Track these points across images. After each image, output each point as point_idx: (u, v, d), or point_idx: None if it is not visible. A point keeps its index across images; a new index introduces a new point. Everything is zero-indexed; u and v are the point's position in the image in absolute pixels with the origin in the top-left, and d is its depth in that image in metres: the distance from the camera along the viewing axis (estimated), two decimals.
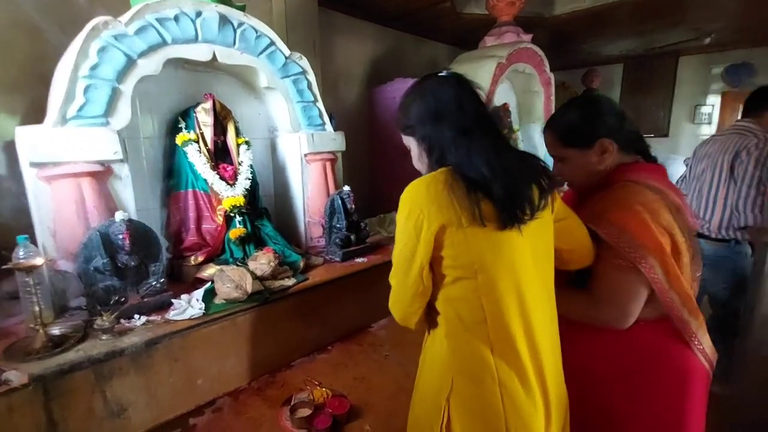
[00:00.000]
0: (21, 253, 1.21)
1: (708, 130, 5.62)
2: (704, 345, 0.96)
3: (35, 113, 1.81)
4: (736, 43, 5.12)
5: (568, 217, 0.93)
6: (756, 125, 2.19)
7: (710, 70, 5.55)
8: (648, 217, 0.87)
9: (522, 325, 0.81)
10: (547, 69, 3.81)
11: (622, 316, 0.91)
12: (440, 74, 0.90)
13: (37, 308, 1.22)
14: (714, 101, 5.60)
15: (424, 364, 0.94)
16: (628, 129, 1.02)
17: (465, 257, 0.79)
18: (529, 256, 0.82)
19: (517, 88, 3.95)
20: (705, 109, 5.66)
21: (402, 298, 0.86)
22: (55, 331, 1.28)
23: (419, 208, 0.79)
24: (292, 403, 1.38)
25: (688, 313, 0.91)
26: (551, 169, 1.06)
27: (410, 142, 0.93)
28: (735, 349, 2.05)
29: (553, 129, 1.06)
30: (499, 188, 0.77)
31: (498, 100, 3.44)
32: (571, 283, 1.03)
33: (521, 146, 3.85)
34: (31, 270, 1.20)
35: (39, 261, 1.22)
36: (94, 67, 1.45)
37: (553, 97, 4.04)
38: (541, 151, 4.13)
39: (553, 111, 4.08)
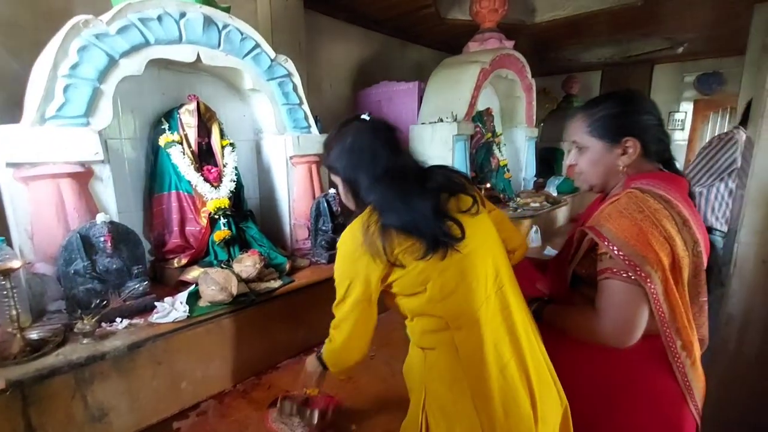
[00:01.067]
0: None
1: (681, 136, 5.85)
2: (689, 373, 0.90)
3: (10, 112, 1.77)
4: (707, 53, 5.35)
5: (493, 209, 1.03)
6: (745, 132, 2.28)
7: (683, 78, 5.78)
8: (647, 226, 0.82)
9: (493, 325, 0.84)
10: (529, 75, 3.90)
11: (624, 332, 0.84)
12: (360, 119, 0.96)
13: (14, 312, 1.19)
14: (687, 108, 5.83)
15: (407, 373, 1.01)
16: (660, 136, 0.97)
17: (412, 284, 0.86)
18: (479, 258, 0.86)
19: (500, 93, 4.03)
20: (678, 116, 5.89)
21: (362, 333, 0.95)
22: (33, 335, 1.25)
23: (353, 240, 0.87)
24: (279, 401, 1.34)
25: (676, 331, 0.87)
26: (568, 158, 1.08)
27: (336, 179, 0.99)
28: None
29: (585, 115, 0.98)
30: (418, 231, 0.84)
31: (481, 105, 3.50)
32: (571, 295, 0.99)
33: (504, 150, 3.92)
34: (7, 273, 1.17)
35: (16, 264, 1.19)
36: (74, 67, 1.43)
37: (534, 103, 4.14)
38: (523, 156, 4.23)
39: (534, 116, 4.20)
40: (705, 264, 0.92)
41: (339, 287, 0.93)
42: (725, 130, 2.41)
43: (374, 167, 0.89)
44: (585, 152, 0.99)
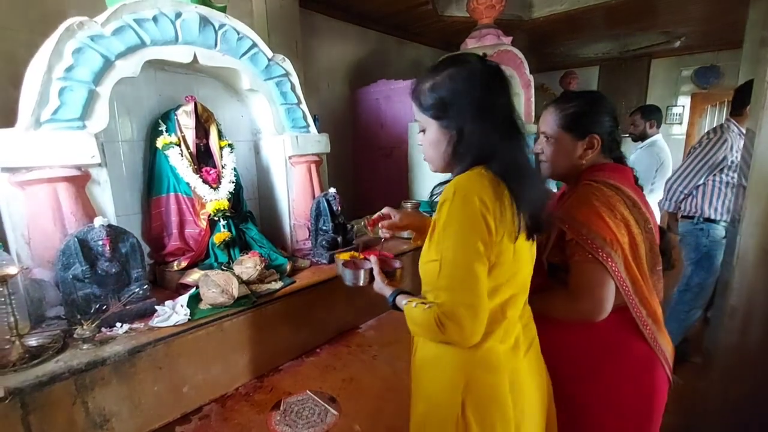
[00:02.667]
0: None
1: (679, 130, 5.84)
2: (657, 338, 1.02)
3: (3, 116, 1.75)
4: (704, 47, 5.35)
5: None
6: (736, 126, 2.29)
7: (680, 72, 5.77)
8: (604, 211, 0.94)
9: (523, 310, 0.90)
10: (527, 71, 3.89)
11: (596, 307, 0.95)
12: (489, 61, 0.79)
13: (12, 319, 1.17)
14: (684, 102, 5.83)
15: (424, 365, 0.92)
16: (615, 136, 1.09)
17: (504, 259, 0.78)
18: (530, 262, 0.88)
19: None
20: (676, 110, 5.89)
21: (479, 313, 0.75)
22: (32, 341, 1.24)
23: (481, 196, 0.72)
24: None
25: (639, 301, 0.98)
26: (533, 145, 1.13)
27: (429, 124, 0.83)
28: (705, 337, 2.15)
29: (557, 109, 1.08)
30: (528, 204, 0.77)
31: None
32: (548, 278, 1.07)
33: None
34: (4, 279, 1.15)
35: (13, 270, 1.17)
36: (69, 69, 1.41)
37: (533, 99, 4.12)
38: None
39: (533, 113, 4.19)
40: (657, 239, 1.05)
41: (462, 251, 0.74)
42: (717, 125, 2.42)
43: (508, 119, 0.77)
44: (553, 143, 1.09)
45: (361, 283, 1.05)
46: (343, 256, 1.12)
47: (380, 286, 0.97)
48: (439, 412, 0.87)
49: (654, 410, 1.03)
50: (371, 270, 1.02)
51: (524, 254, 0.84)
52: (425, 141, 0.86)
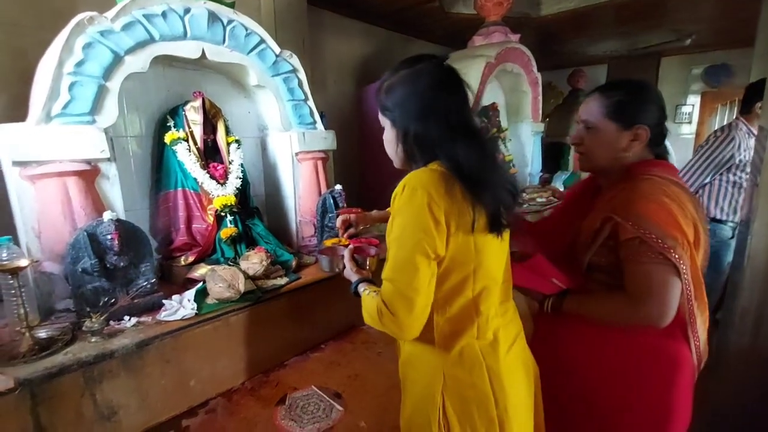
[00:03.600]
0: (4, 254, 1.18)
1: (688, 129, 5.77)
2: (701, 341, 0.96)
3: (15, 110, 1.76)
4: (715, 45, 5.27)
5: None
6: (745, 124, 2.27)
7: (690, 70, 5.69)
8: (675, 208, 0.86)
9: (500, 306, 0.88)
10: (535, 69, 3.86)
11: (664, 312, 0.87)
12: (436, 60, 0.82)
13: (22, 311, 1.19)
14: (694, 101, 5.75)
15: (407, 367, 0.93)
16: (662, 129, 1.01)
17: (463, 251, 0.79)
18: (498, 256, 0.87)
19: (506, 88, 3.99)
20: (685, 109, 5.81)
21: (412, 304, 0.75)
22: (42, 333, 1.25)
23: (428, 189, 0.74)
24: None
25: (698, 305, 0.92)
26: (573, 135, 1.06)
27: (385, 123, 0.88)
28: (715, 339, 2.13)
29: (603, 96, 1.00)
30: (489, 197, 0.78)
31: (486, 100, 3.47)
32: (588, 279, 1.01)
33: (509, 145, 3.89)
34: (15, 272, 1.17)
35: (23, 262, 1.19)
36: (79, 64, 1.42)
37: (540, 97, 4.09)
38: (529, 151, 4.19)
39: (540, 110, 4.16)
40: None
41: (405, 240, 0.76)
42: (726, 124, 2.40)
43: (450, 115, 0.78)
44: (595, 133, 1.00)
45: (337, 270, 1.04)
46: (329, 243, 1.13)
47: (348, 273, 0.96)
48: (422, 413, 0.87)
49: (677, 414, 0.98)
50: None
51: (489, 248, 0.82)
52: (384, 139, 0.90)
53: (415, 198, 0.74)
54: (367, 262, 1.02)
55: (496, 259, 0.86)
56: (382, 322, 0.78)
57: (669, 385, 0.98)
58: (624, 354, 0.99)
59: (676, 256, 0.84)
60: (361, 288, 0.89)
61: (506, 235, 0.88)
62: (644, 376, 0.98)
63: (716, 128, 2.40)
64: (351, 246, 1.02)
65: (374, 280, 0.92)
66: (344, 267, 1.00)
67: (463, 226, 0.77)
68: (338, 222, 1.18)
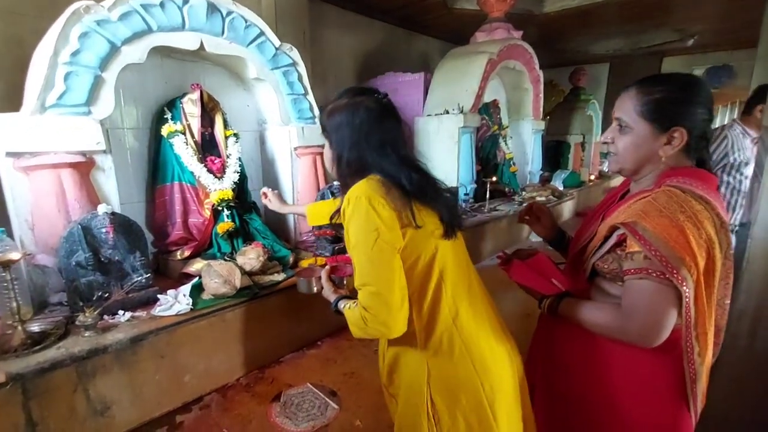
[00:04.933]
0: None
1: None
2: (698, 376, 0.90)
3: (9, 100, 1.74)
4: (718, 46, 5.25)
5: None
6: (740, 125, 2.27)
7: (692, 71, 5.67)
8: (689, 227, 0.79)
9: (469, 292, 0.90)
10: (537, 66, 3.83)
11: (652, 333, 0.82)
12: (376, 96, 0.91)
13: (14, 304, 1.17)
14: None
15: (394, 364, 0.94)
16: (706, 133, 0.91)
17: (420, 240, 0.84)
18: (453, 249, 0.91)
19: (507, 85, 3.97)
20: None
21: (388, 299, 0.79)
22: (35, 327, 1.24)
23: (368, 194, 0.81)
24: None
25: (696, 337, 0.85)
26: (604, 134, 0.99)
27: (325, 141, 0.96)
28: None
29: (640, 92, 0.90)
30: (441, 204, 0.85)
31: (488, 97, 3.44)
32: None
33: (510, 143, 3.87)
34: (7, 264, 1.15)
35: (16, 255, 1.17)
36: (75, 54, 1.39)
37: (542, 95, 4.07)
38: (529, 149, 4.17)
39: (541, 108, 4.14)
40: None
41: (362, 243, 0.81)
42: (721, 125, 2.39)
43: (385, 137, 0.88)
44: (628, 133, 0.92)
45: (315, 290, 1.05)
46: (305, 263, 1.11)
47: (327, 293, 0.99)
48: (412, 407, 0.89)
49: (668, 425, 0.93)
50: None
51: (443, 241, 0.87)
52: (324, 154, 0.98)
53: (359, 204, 0.80)
54: (344, 281, 1.03)
55: (454, 250, 0.90)
56: (368, 327, 0.81)
57: (652, 410, 0.94)
58: (615, 370, 0.95)
59: (679, 278, 0.78)
60: (342, 304, 0.91)
61: (459, 235, 0.93)
62: (632, 397, 0.95)
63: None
64: (327, 266, 1.03)
65: (352, 297, 0.93)
66: (322, 288, 1.02)
67: (406, 219, 0.83)
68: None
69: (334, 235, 1.07)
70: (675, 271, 0.77)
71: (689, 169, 0.89)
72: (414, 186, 0.84)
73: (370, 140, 0.88)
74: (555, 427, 1.03)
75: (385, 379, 0.96)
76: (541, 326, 1.10)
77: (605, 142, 0.97)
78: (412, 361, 0.89)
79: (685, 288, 0.78)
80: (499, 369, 0.89)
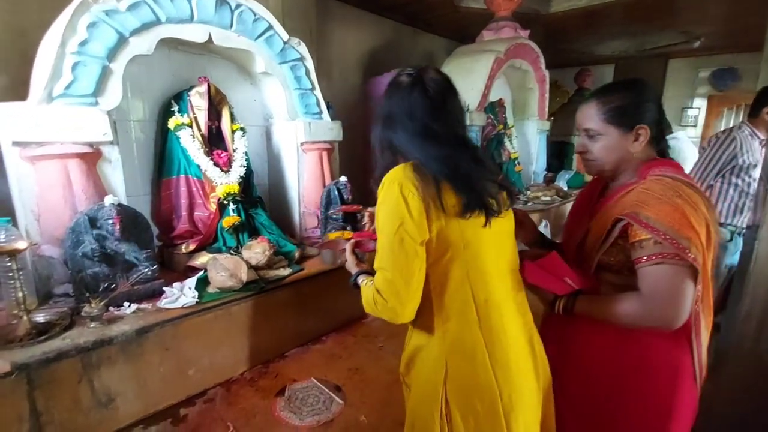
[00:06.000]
0: (2, 236, 1.15)
1: (694, 133, 5.74)
2: (702, 347, 0.96)
3: (15, 89, 1.73)
4: (723, 48, 5.23)
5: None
6: (748, 127, 2.26)
7: (698, 73, 5.65)
8: (688, 210, 0.86)
9: (503, 297, 0.87)
10: (543, 66, 3.82)
11: (678, 313, 0.86)
12: (405, 75, 0.88)
13: (20, 294, 1.16)
14: (700, 104, 5.72)
15: (413, 358, 0.92)
16: (663, 124, 1.01)
17: (450, 235, 0.82)
18: (495, 243, 0.88)
19: (513, 84, 3.95)
20: (691, 112, 5.78)
21: (400, 288, 0.80)
22: (40, 318, 1.23)
23: (401, 181, 0.80)
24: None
25: (703, 308, 0.91)
26: (577, 144, 1.07)
27: (377, 128, 0.94)
28: (715, 342, 2.12)
29: (600, 102, 1.00)
30: (460, 184, 0.81)
31: (494, 96, 3.43)
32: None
33: (515, 142, 3.86)
34: (13, 254, 1.14)
35: (22, 245, 1.16)
36: (83, 44, 1.38)
37: (547, 95, 4.06)
38: (534, 149, 4.16)
39: (546, 108, 4.12)
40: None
41: (386, 228, 0.81)
42: (728, 127, 2.39)
43: (416, 126, 0.85)
44: (599, 139, 1.02)
45: (339, 262, 1.05)
46: (332, 236, 1.12)
47: (349, 266, 1.00)
48: (426, 404, 0.87)
49: (678, 418, 0.97)
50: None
51: (479, 234, 0.84)
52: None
53: (391, 189, 0.80)
54: (366, 256, 1.04)
55: (490, 245, 0.86)
56: (377, 308, 0.83)
57: (670, 391, 0.97)
58: (628, 358, 0.98)
59: (692, 257, 0.84)
60: (360, 279, 0.93)
61: (503, 223, 0.89)
62: (646, 382, 0.97)
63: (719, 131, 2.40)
64: (352, 240, 1.05)
65: (373, 272, 0.93)
66: (346, 260, 1.03)
67: (443, 211, 0.81)
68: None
69: (359, 210, 1.08)
70: (687, 251, 0.84)
71: (663, 160, 0.99)
72: (449, 174, 0.81)
73: (401, 122, 0.86)
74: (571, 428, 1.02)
75: (403, 367, 0.95)
76: (550, 329, 1.10)
77: (579, 152, 1.06)
78: (431, 356, 0.87)
79: (697, 264, 0.84)
80: (522, 381, 0.86)
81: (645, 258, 0.88)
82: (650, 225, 0.86)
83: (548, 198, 3.47)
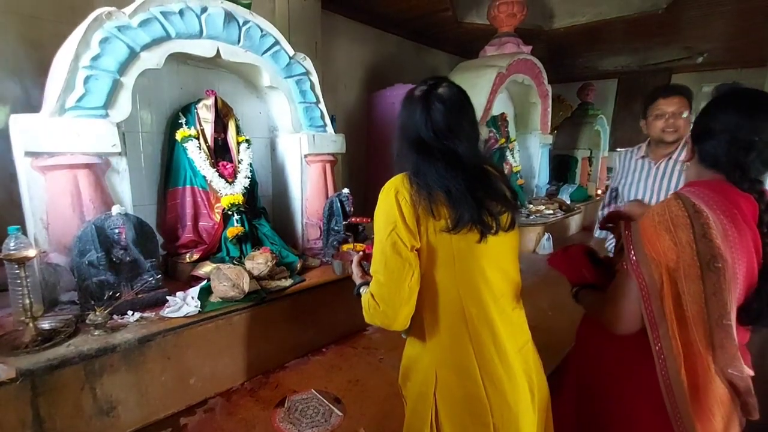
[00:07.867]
0: (12, 244, 1.18)
1: None
2: (678, 403, 0.87)
3: (28, 101, 1.78)
4: (727, 64, 5.27)
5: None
6: None
7: (701, 88, 5.68)
8: (660, 229, 0.85)
9: (496, 313, 0.86)
10: (546, 81, 3.86)
11: (615, 319, 0.90)
12: (417, 88, 0.89)
13: (27, 301, 1.18)
14: None
15: (408, 367, 0.94)
16: (732, 150, 0.89)
17: (439, 247, 0.83)
18: (493, 258, 0.87)
19: (515, 99, 4.00)
20: None
21: (392, 292, 0.81)
22: (45, 325, 1.25)
23: (397, 188, 0.83)
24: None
25: (664, 335, 0.85)
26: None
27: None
28: None
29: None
30: (453, 199, 0.81)
31: (496, 110, 3.47)
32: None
33: (517, 156, 3.88)
34: (22, 262, 1.17)
35: (31, 253, 1.19)
36: (95, 58, 1.43)
37: (550, 110, 4.10)
38: (536, 162, 4.18)
39: (549, 122, 4.15)
40: (738, 285, 0.85)
41: (381, 232, 0.83)
42: None
43: (415, 137, 0.86)
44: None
45: (348, 273, 1.09)
46: (345, 247, 1.14)
47: (355, 277, 1.01)
48: (418, 415, 0.88)
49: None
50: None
51: (473, 248, 0.83)
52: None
53: (388, 195, 0.83)
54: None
55: (487, 261, 0.86)
56: (372, 313, 0.84)
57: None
58: (618, 363, 1.00)
59: (639, 272, 0.86)
60: (363, 290, 0.94)
61: (504, 241, 0.88)
62: (640, 401, 0.97)
63: None
64: (361, 253, 1.08)
65: None
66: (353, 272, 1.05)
67: (435, 223, 0.82)
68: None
69: (369, 222, 1.11)
70: (635, 266, 0.86)
71: (705, 180, 0.94)
72: (443, 187, 0.82)
73: (403, 130, 0.89)
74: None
75: (401, 379, 0.96)
76: (581, 338, 1.15)
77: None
78: (422, 367, 0.88)
79: (642, 282, 0.86)
80: (516, 397, 0.86)
81: (619, 262, 0.93)
82: (629, 236, 0.90)
83: (550, 211, 3.47)
